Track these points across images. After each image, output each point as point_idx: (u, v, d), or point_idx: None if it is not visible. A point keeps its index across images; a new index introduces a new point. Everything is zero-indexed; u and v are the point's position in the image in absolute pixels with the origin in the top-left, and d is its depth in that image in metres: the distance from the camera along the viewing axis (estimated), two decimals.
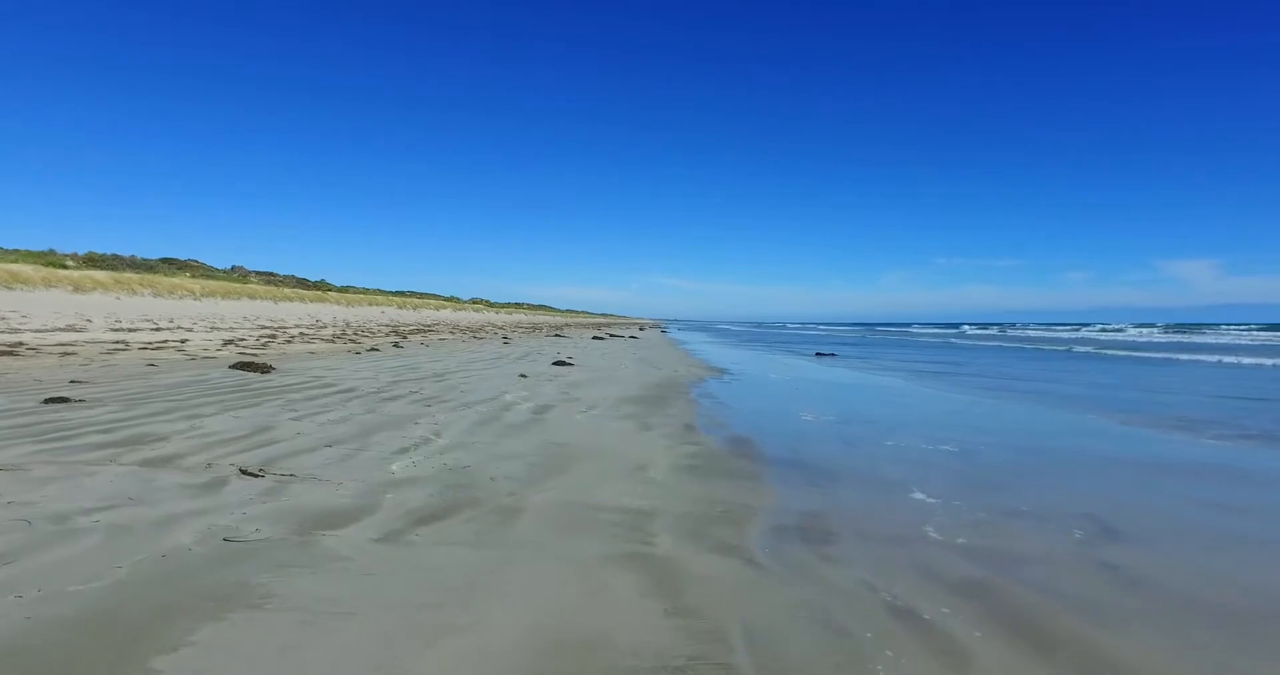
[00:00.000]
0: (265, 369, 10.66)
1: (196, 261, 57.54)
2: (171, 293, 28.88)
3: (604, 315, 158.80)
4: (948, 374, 15.07)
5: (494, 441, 5.60)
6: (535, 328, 47.50)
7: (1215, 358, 21.55)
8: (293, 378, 9.83)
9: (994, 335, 49.98)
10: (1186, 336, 43.44)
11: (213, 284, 33.23)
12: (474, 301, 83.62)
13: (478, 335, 29.62)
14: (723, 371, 13.89)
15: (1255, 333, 49.69)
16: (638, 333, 44.66)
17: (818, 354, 20.92)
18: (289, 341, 18.90)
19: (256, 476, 4.11)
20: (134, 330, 18.72)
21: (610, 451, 5.38)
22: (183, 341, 16.25)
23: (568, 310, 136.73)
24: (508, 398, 8.47)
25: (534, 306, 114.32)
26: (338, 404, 7.34)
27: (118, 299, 25.18)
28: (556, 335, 33.15)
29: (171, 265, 52.59)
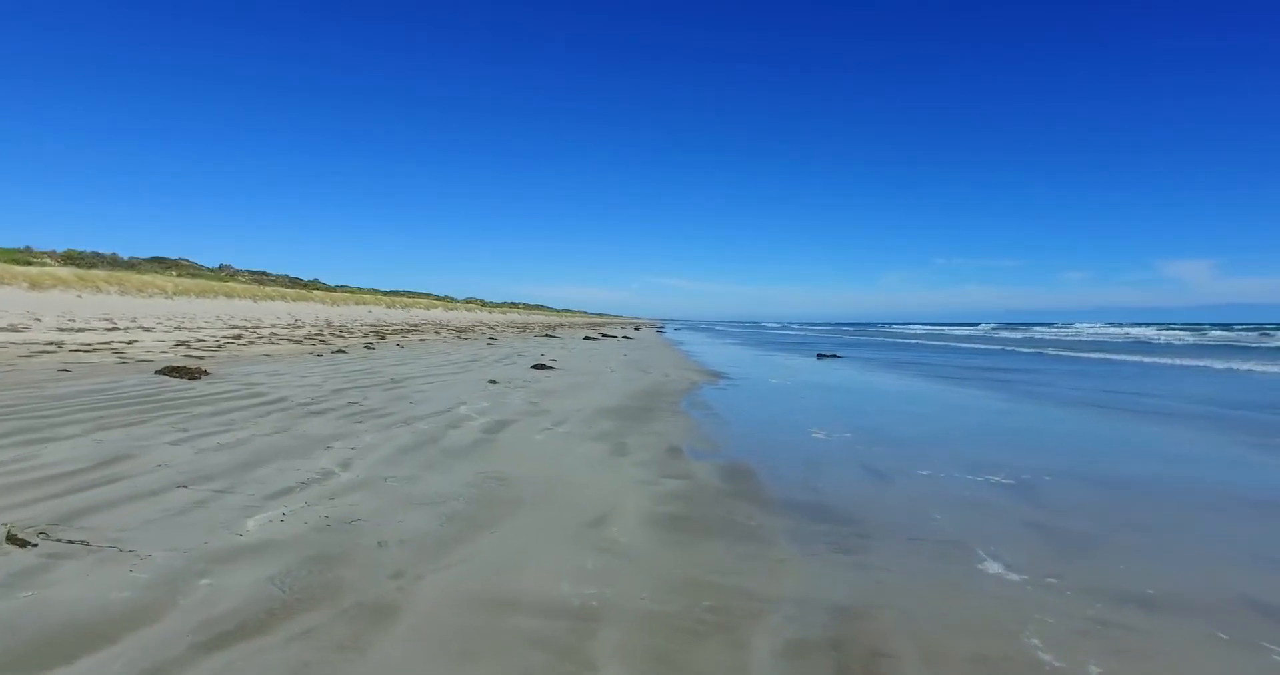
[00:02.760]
0: (196, 375, 9.33)
1: (186, 260, 56.48)
2: (141, 291, 27.48)
3: (600, 315, 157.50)
4: (962, 377, 13.76)
5: (415, 475, 4.29)
6: (527, 328, 46.16)
7: (1202, 362, 19.49)
8: (222, 385, 8.51)
9: (970, 336, 48.42)
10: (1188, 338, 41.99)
11: (187, 282, 31.83)
12: (467, 301, 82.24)
13: (463, 336, 28.27)
14: (718, 375, 12.59)
15: (1215, 332, 47.94)
16: (632, 333, 43.34)
17: (819, 355, 19.63)
18: (252, 342, 17.56)
19: (26, 545, 2.79)
20: (84, 330, 17.35)
21: (565, 490, 4.07)
22: (130, 342, 14.89)
23: (564, 310, 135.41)
24: (462, 410, 7.16)
25: (529, 306, 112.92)
26: (248, 420, 6.02)
27: (79, 297, 23.79)
28: (546, 335, 31.83)
29: (161, 264, 51.45)
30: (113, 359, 11.43)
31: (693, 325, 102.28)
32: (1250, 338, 36.97)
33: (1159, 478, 4.94)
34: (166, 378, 9.10)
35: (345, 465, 4.47)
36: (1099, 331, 53.37)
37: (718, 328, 80.00)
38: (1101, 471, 5.06)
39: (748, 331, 58.09)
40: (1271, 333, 46.43)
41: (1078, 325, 75.43)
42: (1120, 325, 70.29)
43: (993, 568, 2.99)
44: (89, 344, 13.80)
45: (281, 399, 7.47)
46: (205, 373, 9.72)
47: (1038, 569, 2.98)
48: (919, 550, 3.19)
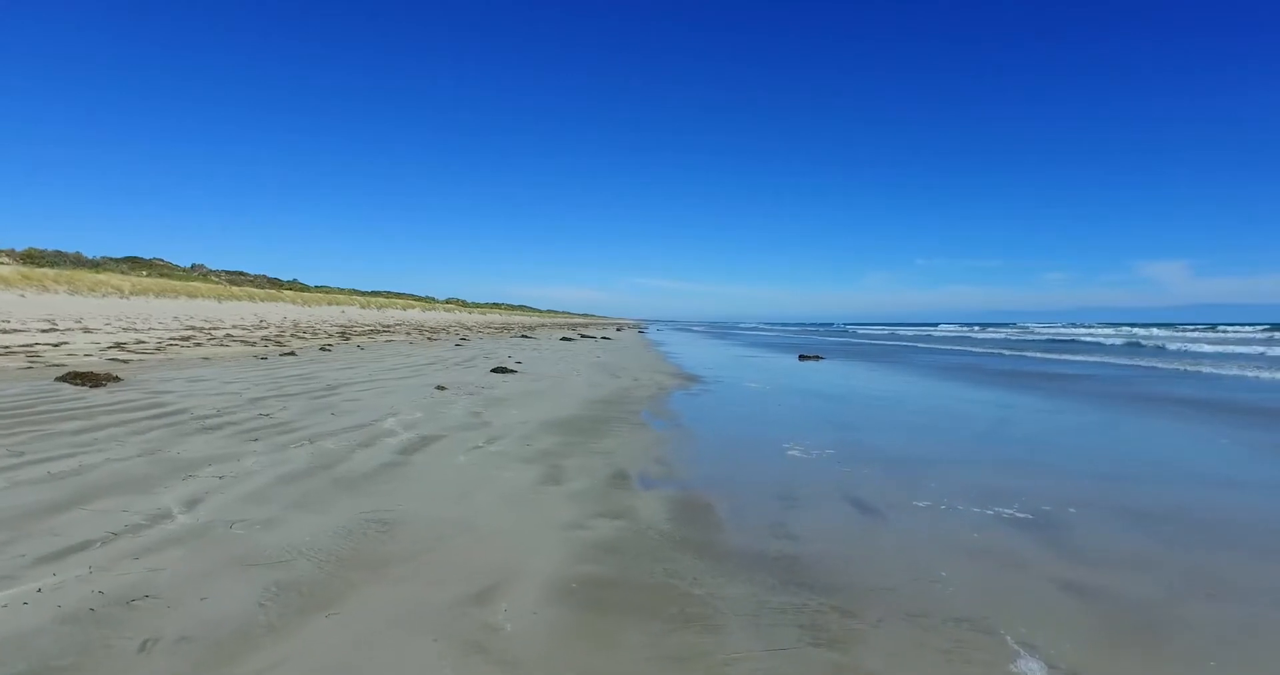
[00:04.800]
0: (101, 382, 8.29)
1: (160, 260, 55.21)
2: (93, 290, 26.14)
3: (584, 316, 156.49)
4: (937, 377, 12.95)
5: (276, 518, 3.33)
6: (505, 328, 45.09)
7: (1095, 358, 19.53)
8: (124, 394, 7.48)
9: (928, 335, 47.86)
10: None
11: (146, 281, 30.48)
12: (448, 301, 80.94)
13: (433, 337, 27.19)
14: (693, 379, 11.68)
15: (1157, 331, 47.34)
16: (613, 333, 42.36)
17: (801, 356, 18.79)
18: (200, 344, 16.43)
19: None
20: (15, 331, 16.11)
21: (462, 541, 3.13)
22: (58, 344, 13.72)
23: (548, 311, 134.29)
24: (389, 423, 6.20)
25: (512, 307, 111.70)
26: (117, 439, 5.02)
27: (21, 296, 22.46)
28: (522, 336, 30.79)
29: (133, 263, 50.07)
30: (20, 363, 10.32)
31: (677, 326, 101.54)
32: (1160, 338, 36.31)
33: (1209, 507, 4.08)
34: (65, 385, 8.05)
35: (191, 504, 3.50)
36: (1055, 331, 53.19)
37: (695, 328, 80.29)
38: (1135, 498, 4.19)
39: (727, 332, 57.38)
40: (1182, 331, 46.61)
41: (1031, 325, 76.72)
42: (1075, 325, 71.22)
43: (1033, 669, 2.09)
44: (6, 347, 12.63)
45: (181, 411, 6.47)
46: (115, 379, 8.68)
47: (1096, 671, 2.09)
48: (927, 639, 2.28)
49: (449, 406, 7.38)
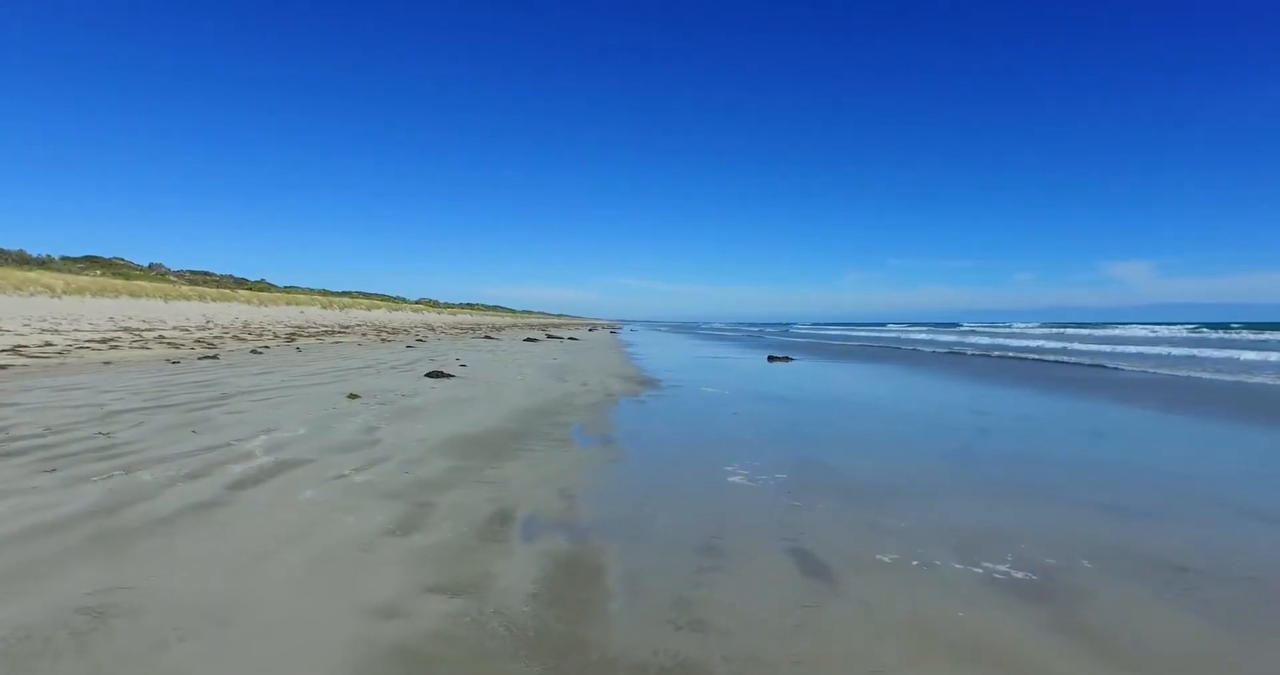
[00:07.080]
0: None
1: (121, 259, 53.38)
2: (19, 289, 24.45)
3: (560, 316, 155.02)
4: (912, 379, 12.09)
5: None
6: (473, 328, 43.74)
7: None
8: None
9: (878, 336, 47.36)
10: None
11: (83, 280, 28.73)
12: (418, 302, 79.15)
13: (389, 338, 25.89)
14: (648, 383, 10.66)
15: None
16: (584, 333, 41.24)
17: (770, 357, 17.89)
18: (115, 347, 15.06)
19: None
20: None
21: (203, 641, 2.06)
22: None
23: (523, 311, 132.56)
24: (254, 443, 5.10)
25: (486, 307, 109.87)
26: None
27: None
28: (486, 337, 29.55)
29: (91, 262, 48.20)
30: None
31: (654, 326, 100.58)
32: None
33: (1246, 547, 3.14)
34: None
35: None
36: (989, 332, 53.21)
37: (663, 327, 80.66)
38: (1162, 542, 3.24)
39: (697, 332, 56.59)
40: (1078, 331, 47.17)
41: (973, 325, 78.05)
42: (1006, 325, 72.23)
43: None
44: None
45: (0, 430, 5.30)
46: None
47: None
48: None
49: (346, 420, 6.28)
